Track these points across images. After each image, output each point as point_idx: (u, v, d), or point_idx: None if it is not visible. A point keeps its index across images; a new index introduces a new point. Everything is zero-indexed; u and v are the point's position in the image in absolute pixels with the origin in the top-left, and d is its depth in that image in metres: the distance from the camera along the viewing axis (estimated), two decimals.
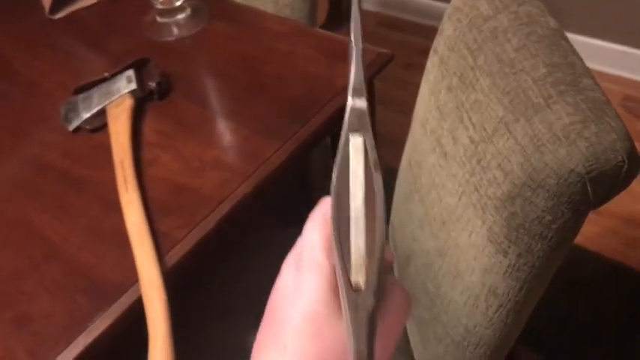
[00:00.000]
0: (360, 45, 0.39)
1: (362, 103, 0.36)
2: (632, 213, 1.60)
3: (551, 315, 1.40)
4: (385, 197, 0.35)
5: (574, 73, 0.58)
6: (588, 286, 1.46)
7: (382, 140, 1.89)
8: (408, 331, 0.92)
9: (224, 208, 0.83)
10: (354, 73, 0.38)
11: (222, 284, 1.02)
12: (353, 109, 0.36)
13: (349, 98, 0.37)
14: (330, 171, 0.35)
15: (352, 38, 0.39)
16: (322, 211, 0.38)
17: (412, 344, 0.91)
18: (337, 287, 0.33)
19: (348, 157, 0.35)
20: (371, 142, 0.35)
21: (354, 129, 0.36)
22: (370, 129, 0.36)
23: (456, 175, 0.69)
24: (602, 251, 1.53)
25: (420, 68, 0.84)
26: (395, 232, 0.97)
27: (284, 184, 1.58)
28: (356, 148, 0.35)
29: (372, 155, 0.35)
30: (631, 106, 1.90)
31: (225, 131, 0.94)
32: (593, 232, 1.57)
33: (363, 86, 0.37)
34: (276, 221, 1.72)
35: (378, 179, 0.34)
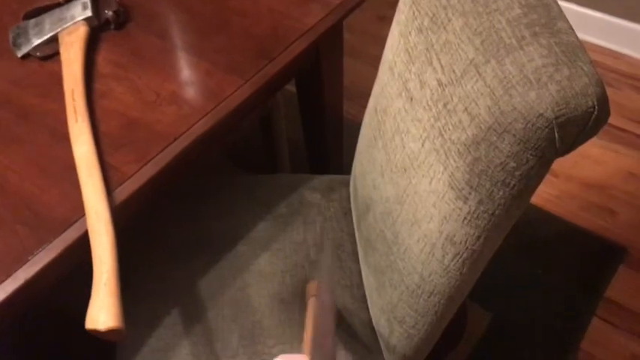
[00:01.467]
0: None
1: None
2: (591, 178, 1.61)
3: (503, 274, 1.41)
4: None
5: (549, 16, 0.56)
6: (542, 246, 1.48)
7: (351, 93, 1.88)
8: (364, 280, 0.92)
9: (179, 146, 0.79)
10: None
11: (174, 226, 0.99)
12: None
13: None
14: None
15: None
16: None
17: (367, 293, 0.90)
18: None
19: None
20: None
21: None
22: None
23: (421, 120, 0.67)
24: (559, 213, 1.55)
25: (392, 21, 0.81)
26: (357, 181, 0.95)
27: (244, 128, 1.55)
28: None
29: None
30: (598, 72, 1.90)
31: (184, 65, 0.90)
32: (552, 194, 1.58)
33: None
34: (234, 166, 1.69)
35: None
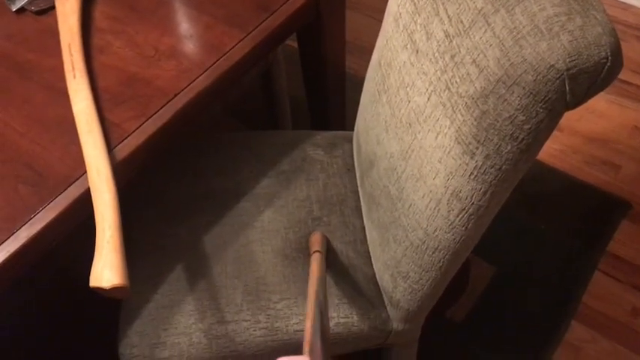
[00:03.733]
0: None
1: None
2: (595, 132, 1.60)
3: (506, 228, 1.42)
4: None
5: None
6: (545, 201, 1.48)
7: (353, 47, 1.84)
8: (367, 236, 0.91)
9: (180, 101, 0.78)
10: None
11: (175, 182, 0.98)
12: None
13: None
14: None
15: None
16: None
17: (371, 249, 0.90)
18: None
19: None
20: None
21: None
22: None
23: (427, 73, 0.66)
24: (563, 168, 1.54)
25: None
26: (360, 137, 0.93)
27: (245, 84, 1.53)
28: None
29: None
30: (618, 29, 1.86)
31: (183, 18, 0.87)
32: (556, 149, 1.57)
33: None
34: (236, 123, 1.67)
35: None
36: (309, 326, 0.61)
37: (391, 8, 0.77)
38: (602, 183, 1.51)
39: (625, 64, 1.76)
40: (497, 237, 1.39)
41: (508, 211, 1.39)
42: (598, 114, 1.62)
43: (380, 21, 0.81)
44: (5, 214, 0.68)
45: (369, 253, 0.91)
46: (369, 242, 0.91)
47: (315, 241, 0.88)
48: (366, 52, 1.79)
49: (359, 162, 0.95)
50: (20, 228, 0.67)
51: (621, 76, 1.72)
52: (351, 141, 1.04)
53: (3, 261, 0.65)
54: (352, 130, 1.04)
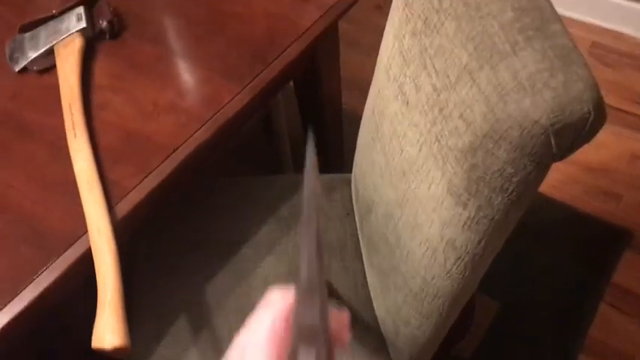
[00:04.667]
0: (316, 222, 0.33)
1: (314, 314, 0.30)
2: (594, 161, 1.61)
3: (509, 262, 1.42)
4: None
5: (542, 18, 0.55)
6: (548, 233, 1.48)
7: (350, 84, 1.86)
8: (368, 280, 0.92)
9: (179, 156, 0.80)
10: (305, 269, 0.32)
11: (179, 231, 1.00)
12: (300, 327, 0.30)
13: (296, 313, 0.31)
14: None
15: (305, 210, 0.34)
16: (269, 321, 0.34)
17: (372, 294, 0.90)
18: None
19: None
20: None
21: (305, 342, 0.29)
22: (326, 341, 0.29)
23: (418, 125, 0.67)
24: (564, 199, 1.54)
25: (388, 9, 0.80)
26: (357, 182, 0.95)
27: (246, 127, 1.54)
28: None
29: None
30: (599, 53, 1.89)
31: (181, 73, 0.89)
32: (556, 179, 1.58)
33: (319, 287, 0.31)
34: (237, 165, 1.69)
35: None
36: None
37: (382, 59, 0.79)
38: (603, 213, 1.51)
39: (620, 93, 1.77)
40: (500, 271, 1.39)
41: (510, 243, 1.39)
42: (596, 143, 1.62)
43: (375, 57, 0.83)
44: (8, 275, 0.70)
45: (369, 296, 0.91)
46: (370, 287, 0.91)
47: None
48: (362, 87, 1.81)
49: (357, 206, 0.96)
50: (24, 289, 0.68)
51: (617, 104, 1.74)
52: (349, 184, 1.05)
53: (7, 322, 0.66)
54: (351, 169, 1.05)
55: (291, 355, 0.29)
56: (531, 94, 0.51)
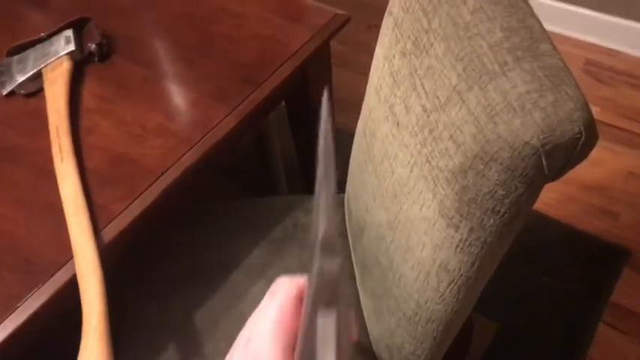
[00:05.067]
0: (333, 186, 0.32)
1: (333, 266, 0.29)
2: (590, 179, 1.60)
3: (507, 282, 1.40)
4: None
5: (532, 38, 0.55)
6: (544, 252, 1.47)
7: (342, 104, 1.86)
8: (362, 303, 0.90)
9: (167, 179, 0.78)
10: (325, 224, 0.30)
11: (168, 256, 0.98)
12: (322, 275, 0.29)
13: (317, 257, 0.29)
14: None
15: (320, 176, 0.32)
16: (274, 311, 0.33)
17: (366, 317, 0.89)
18: None
19: (314, 340, 0.27)
20: (346, 319, 0.28)
21: (325, 301, 0.28)
22: (344, 299, 0.28)
23: (408, 146, 0.66)
24: (560, 217, 1.53)
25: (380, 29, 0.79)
26: (350, 203, 0.93)
27: (238, 147, 1.53)
28: (326, 331, 0.27)
29: (347, 342, 0.28)
30: (593, 70, 1.89)
31: (170, 95, 0.89)
32: (552, 198, 1.57)
33: (336, 240, 0.30)
34: (229, 186, 1.68)
35: None
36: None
37: (372, 80, 0.79)
38: (600, 231, 1.50)
39: (616, 110, 1.77)
40: (497, 291, 1.37)
41: (507, 263, 1.38)
42: (592, 161, 1.61)
43: (368, 77, 0.82)
44: None
45: (363, 320, 0.89)
46: (363, 311, 0.90)
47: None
48: (356, 108, 1.81)
49: (350, 227, 0.95)
50: (7, 318, 0.67)
51: (613, 121, 1.74)
52: (342, 205, 1.04)
53: None
54: (344, 189, 1.04)
55: (308, 317, 0.28)
56: (521, 115, 0.50)
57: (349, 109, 1.85)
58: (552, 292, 1.39)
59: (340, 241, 0.25)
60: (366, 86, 0.84)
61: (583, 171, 1.61)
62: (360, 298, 0.91)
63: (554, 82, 0.51)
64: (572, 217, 1.53)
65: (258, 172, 1.60)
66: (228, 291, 0.92)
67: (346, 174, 0.99)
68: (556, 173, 0.52)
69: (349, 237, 0.98)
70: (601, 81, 1.86)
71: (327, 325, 0.28)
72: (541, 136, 0.49)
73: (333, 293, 0.28)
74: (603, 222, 1.52)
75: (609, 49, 1.95)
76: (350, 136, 0.92)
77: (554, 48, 0.55)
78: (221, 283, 0.93)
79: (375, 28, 2.13)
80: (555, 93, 0.50)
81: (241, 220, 1.02)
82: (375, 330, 0.84)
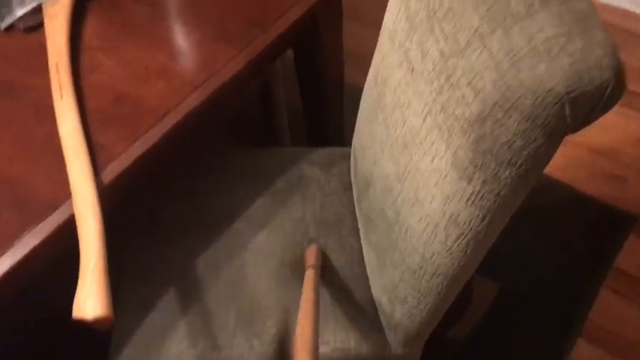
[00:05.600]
0: None
1: None
2: (600, 144, 1.57)
3: (510, 244, 1.39)
4: None
5: None
6: (550, 216, 1.45)
7: (352, 58, 1.82)
8: (365, 258, 0.89)
9: (169, 122, 0.76)
10: None
11: (169, 203, 0.96)
12: None
13: None
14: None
15: None
16: None
17: (368, 271, 0.87)
18: None
19: None
20: None
21: None
22: None
23: (423, 94, 0.63)
24: (567, 181, 1.51)
25: None
26: (356, 155, 0.91)
27: (242, 96, 1.50)
28: None
29: None
30: (620, 36, 1.84)
31: (174, 35, 0.85)
32: (559, 161, 1.54)
33: None
34: (232, 137, 1.65)
35: None
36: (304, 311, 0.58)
37: (387, 24, 0.75)
38: (607, 196, 1.48)
39: (629, 75, 1.72)
40: (499, 253, 1.36)
41: (511, 225, 1.36)
42: (602, 125, 1.58)
43: (379, 31, 0.79)
44: None
45: (366, 274, 0.88)
46: (366, 264, 0.88)
47: (310, 255, 0.85)
48: (366, 62, 1.77)
49: (356, 181, 0.93)
50: (3, 255, 0.65)
51: (627, 86, 1.69)
52: (348, 158, 1.02)
53: None
54: (350, 145, 1.01)
55: None
56: (547, 60, 0.48)
57: (358, 63, 1.81)
58: (555, 256, 1.38)
59: None
60: (374, 39, 0.81)
61: (593, 134, 1.58)
62: (364, 252, 0.89)
63: (583, 26, 0.48)
64: (579, 181, 1.51)
65: (260, 123, 1.57)
66: (230, 239, 0.91)
67: (353, 129, 0.96)
68: (578, 124, 0.50)
69: (354, 191, 0.96)
70: (628, 47, 1.80)
71: None
72: (567, 83, 0.47)
73: None
74: (611, 187, 1.49)
75: (625, 9, 1.89)
76: (358, 91, 0.89)
77: None
78: (223, 231, 0.91)
79: None
80: (584, 38, 0.48)
81: (245, 170, 1.00)
82: (377, 284, 0.83)
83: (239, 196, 0.96)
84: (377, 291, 0.84)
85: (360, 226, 0.91)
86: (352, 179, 0.97)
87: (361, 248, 0.90)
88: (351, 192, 0.97)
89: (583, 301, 1.31)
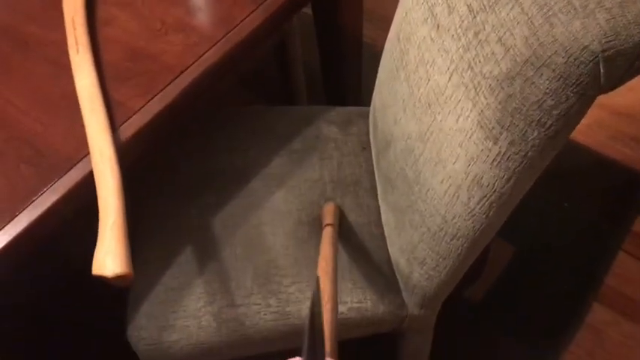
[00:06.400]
0: None
1: None
2: (623, 105, 1.53)
3: (526, 205, 1.37)
4: None
5: None
6: (569, 177, 1.43)
7: (371, 16, 1.78)
8: (383, 218, 0.88)
9: (187, 78, 0.75)
10: None
11: (185, 160, 0.95)
12: None
13: None
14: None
15: None
16: None
17: (386, 232, 0.87)
18: None
19: None
20: None
21: None
22: None
23: (449, 51, 0.61)
24: (588, 143, 1.48)
25: None
26: (376, 114, 0.89)
27: (258, 54, 1.48)
28: None
29: None
30: None
31: None
32: (580, 123, 1.51)
33: None
34: (247, 94, 1.64)
35: None
36: (329, 319, 0.58)
37: None
38: (628, 160, 1.45)
39: None
40: (516, 215, 1.34)
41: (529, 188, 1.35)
42: (626, 86, 1.54)
43: None
44: (6, 195, 0.66)
45: (384, 235, 0.88)
46: (384, 225, 0.88)
47: (328, 213, 0.85)
48: (386, 21, 1.72)
49: (375, 141, 0.91)
50: (22, 211, 0.65)
51: None
52: (367, 118, 1.00)
53: (4, 245, 0.63)
54: (368, 104, 0.99)
55: None
56: (582, 16, 0.45)
57: (376, 21, 1.77)
58: (573, 219, 1.37)
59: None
60: (395, 0, 0.78)
61: (615, 96, 1.53)
62: (382, 212, 0.89)
63: None
64: (599, 143, 1.48)
65: (277, 81, 1.54)
66: (245, 198, 0.90)
67: (371, 90, 0.94)
68: (613, 84, 0.48)
69: (372, 150, 0.94)
70: None
71: None
72: (603, 40, 0.45)
73: None
74: (632, 150, 1.46)
75: None
76: (378, 51, 0.87)
77: None
78: (240, 189, 0.91)
79: None
80: None
81: (261, 128, 0.99)
82: (395, 244, 0.83)
83: (256, 154, 0.95)
84: (395, 252, 0.83)
85: (378, 186, 0.90)
86: (371, 139, 0.96)
87: (379, 209, 0.90)
88: (369, 152, 0.96)
89: (600, 264, 1.30)
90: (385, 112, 0.83)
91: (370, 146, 0.96)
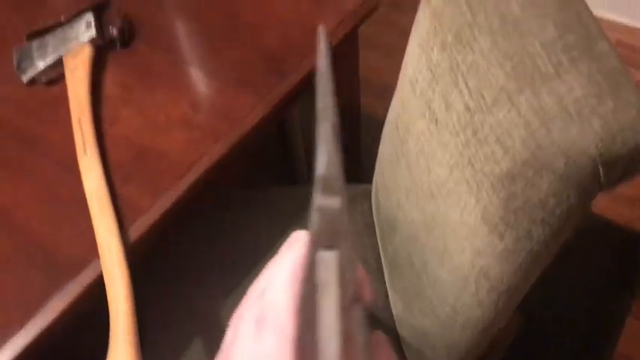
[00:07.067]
0: (332, 118, 0.30)
1: (334, 204, 0.27)
2: None
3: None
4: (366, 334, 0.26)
5: (588, 36, 0.51)
6: (573, 242, 1.43)
7: (368, 87, 1.82)
8: (391, 302, 0.88)
9: (194, 174, 0.76)
10: (325, 158, 0.28)
11: (189, 253, 0.96)
12: (323, 213, 0.26)
13: (316, 196, 0.27)
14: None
15: (319, 107, 0.30)
16: (290, 263, 0.32)
17: (395, 314, 0.86)
18: (300, 354, 0.26)
19: (314, 289, 0.25)
20: (350, 260, 0.25)
21: (325, 241, 0.26)
22: (347, 240, 0.25)
23: (448, 145, 0.63)
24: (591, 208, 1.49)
25: (407, 8, 0.75)
26: (379, 195, 0.90)
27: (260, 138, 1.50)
28: (327, 271, 0.25)
29: (349, 289, 0.25)
30: (624, 53, 1.83)
31: (194, 83, 0.86)
32: None
33: (337, 177, 0.27)
34: (251, 176, 1.65)
35: (357, 317, 0.25)
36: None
37: (407, 70, 0.75)
38: (631, 222, 1.46)
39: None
40: None
41: None
42: None
43: (392, 59, 0.79)
44: (17, 303, 0.66)
45: (392, 319, 0.87)
46: (392, 308, 0.87)
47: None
48: (383, 92, 1.76)
49: (378, 221, 0.92)
50: (33, 318, 0.65)
51: None
52: (369, 196, 1.01)
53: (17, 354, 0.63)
54: (370, 176, 1.00)
55: (309, 258, 0.26)
56: (578, 122, 0.47)
57: (372, 90, 1.80)
58: (580, 285, 1.36)
59: (341, 181, 0.24)
60: (390, 68, 0.80)
61: None
62: (389, 296, 0.88)
63: (614, 86, 0.48)
64: (601, 206, 1.49)
65: (278, 158, 1.56)
66: (251, 283, 0.90)
67: (370, 158, 0.95)
68: (613, 183, 0.49)
69: (377, 230, 0.95)
70: (633, 64, 1.80)
71: (328, 265, 0.26)
72: (599, 145, 0.46)
73: (334, 233, 0.26)
74: (632, 211, 1.47)
75: (632, 27, 1.88)
76: (375, 119, 0.89)
77: (612, 47, 0.51)
78: (245, 276, 0.91)
79: (397, 6, 2.07)
80: (615, 99, 0.47)
81: (263, 211, 1.00)
82: (404, 329, 0.82)
83: (258, 239, 0.95)
84: (404, 336, 0.83)
85: (384, 269, 0.90)
86: (375, 219, 0.96)
87: (386, 293, 0.89)
88: (373, 229, 0.97)
89: (610, 330, 1.29)
90: (388, 195, 0.84)
91: (373, 225, 0.97)
